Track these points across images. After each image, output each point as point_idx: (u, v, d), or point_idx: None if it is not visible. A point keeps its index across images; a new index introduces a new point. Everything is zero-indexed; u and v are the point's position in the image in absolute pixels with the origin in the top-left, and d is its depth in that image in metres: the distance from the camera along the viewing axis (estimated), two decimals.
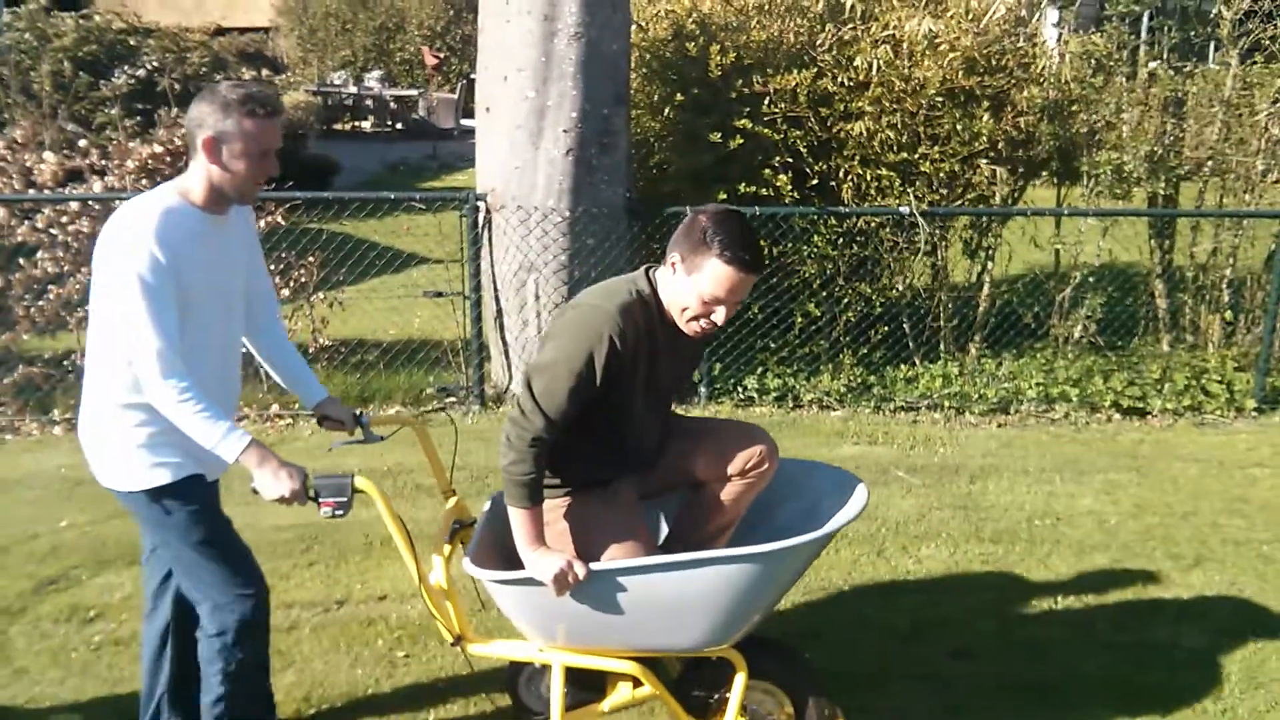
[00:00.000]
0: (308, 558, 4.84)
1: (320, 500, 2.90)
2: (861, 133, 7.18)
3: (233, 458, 2.84)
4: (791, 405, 7.10)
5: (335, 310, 7.23)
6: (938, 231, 7.34)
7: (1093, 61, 7.66)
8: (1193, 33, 9.04)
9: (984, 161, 7.28)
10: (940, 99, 7.13)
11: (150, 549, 3.31)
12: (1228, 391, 7.22)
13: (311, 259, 7.03)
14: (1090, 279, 7.51)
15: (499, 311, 6.91)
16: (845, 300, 7.32)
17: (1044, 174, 8.02)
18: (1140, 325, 7.80)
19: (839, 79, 7.22)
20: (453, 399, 6.96)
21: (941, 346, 7.53)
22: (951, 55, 7.15)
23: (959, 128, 7.12)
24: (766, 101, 7.18)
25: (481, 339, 6.95)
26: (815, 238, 7.22)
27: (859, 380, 7.25)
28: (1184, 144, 7.99)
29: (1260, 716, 3.83)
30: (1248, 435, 6.80)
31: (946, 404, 7.04)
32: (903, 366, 7.45)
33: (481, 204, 6.78)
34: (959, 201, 7.44)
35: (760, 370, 7.25)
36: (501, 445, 2.95)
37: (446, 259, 7.60)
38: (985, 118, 7.15)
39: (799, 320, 7.28)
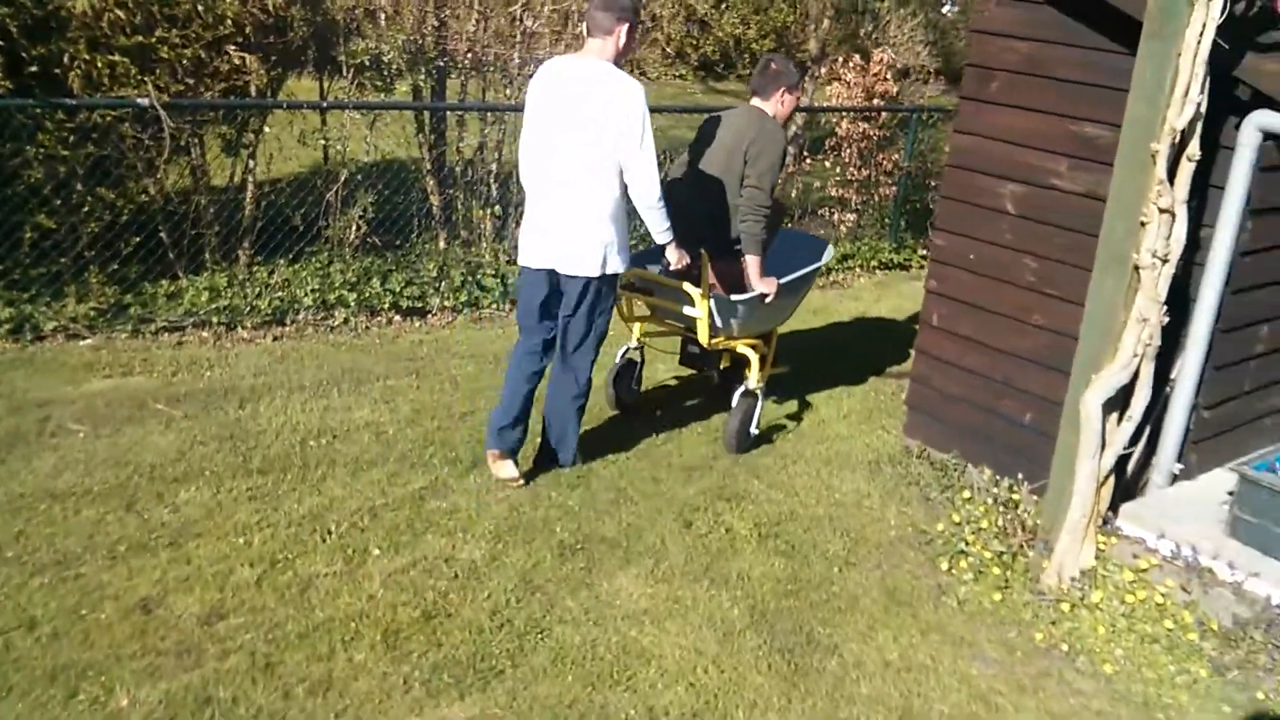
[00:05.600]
0: None
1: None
2: (86, 11, 6.10)
3: (668, 240, 4.68)
4: (31, 337, 5.97)
5: None
6: (188, 127, 6.53)
7: None
8: None
9: (233, 48, 6.57)
10: None
11: (552, 318, 4.73)
12: (502, 285, 7.34)
13: None
14: (360, 176, 7.18)
15: None
16: (86, 209, 6.28)
17: (306, 65, 7.50)
18: (416, 223, 7.64)
19: None
20: None
21: (207, 256, 6.79)
22: None
23: (200, 8, 6.32)
24: None
25: None
26: (41, 135, 6.11)
27: (112, 300, 6.30)
28: (446, 36, 7.91)
29: (537, 623, 3.79)
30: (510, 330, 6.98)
31: (216, 320, 6.36)
32: (164, 281, 6.60)
33: None
34: (209, 93, 6.67)
35: None
36: (748, 222, 4.97)
37: None
38: None
39: (29, 235, 6.12)
